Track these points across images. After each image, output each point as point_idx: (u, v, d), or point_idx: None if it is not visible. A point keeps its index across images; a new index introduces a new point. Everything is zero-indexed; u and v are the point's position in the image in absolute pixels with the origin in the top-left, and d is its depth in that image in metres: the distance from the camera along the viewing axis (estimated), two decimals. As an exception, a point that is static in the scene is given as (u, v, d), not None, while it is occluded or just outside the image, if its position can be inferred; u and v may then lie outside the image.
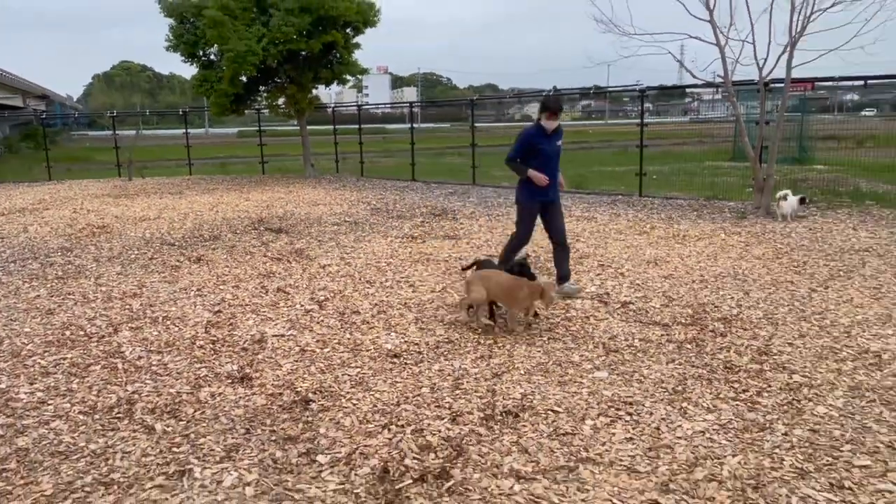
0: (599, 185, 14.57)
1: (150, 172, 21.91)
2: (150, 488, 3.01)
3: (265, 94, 18.43)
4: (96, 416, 3.81)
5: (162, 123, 76.49)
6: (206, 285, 6.77)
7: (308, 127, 20.15)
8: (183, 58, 17.62)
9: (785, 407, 3.73)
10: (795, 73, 10.59)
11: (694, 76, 11.89)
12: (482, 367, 4.39)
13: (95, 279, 7.24)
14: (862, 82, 13.47)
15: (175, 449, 3.41)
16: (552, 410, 3.72)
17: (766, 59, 9.97)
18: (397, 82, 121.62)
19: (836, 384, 4.01)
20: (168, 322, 5.61)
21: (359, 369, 4.41)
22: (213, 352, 4.87)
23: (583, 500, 2.89)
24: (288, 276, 7.03)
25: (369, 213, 11.52)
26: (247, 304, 6.03)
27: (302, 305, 5.93)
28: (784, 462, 3.15)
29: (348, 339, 5.02)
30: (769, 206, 10.03)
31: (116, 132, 22.97)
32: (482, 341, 4.87)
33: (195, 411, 3.89)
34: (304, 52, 16.36)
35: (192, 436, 3.59)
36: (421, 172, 18.13)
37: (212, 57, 17.38)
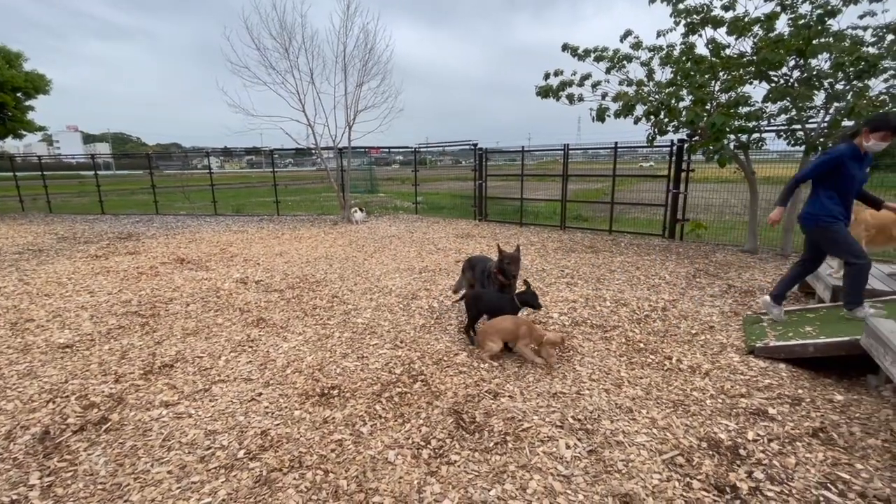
0: (253, 210, 13.58)
1: None
2: None
3: None
4: None
5: None
6: None
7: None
8: None
9: (341, 323, 4.04)
10: (364, 143, 11.62)
11: (297, 143, 11.98)
12: (147, 340, 3.73)
13: None
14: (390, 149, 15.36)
15: None
16: (198, 357, 3.39)
17: (336, 135, 10.63)
18: (89, 139, 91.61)
19: (368, 306, 4.49)
20: None
21: (28, 364, 3.30)
22: None
23: (212, 406, 2.74)
24: (-48, 302, 4.77)
25: (55, 241, 8.56)
26: None
27: (-33, 324, 4.12)
28: (337, 352, 3.47)
29: (19, 342, 3.68)
30: (349, 216, 10.71)
31: None
32: (150, 323, 4.12)
33: None
34: (-31, 108, 11.13)
35: None
36: (111, 206, 14.20)
37: None
